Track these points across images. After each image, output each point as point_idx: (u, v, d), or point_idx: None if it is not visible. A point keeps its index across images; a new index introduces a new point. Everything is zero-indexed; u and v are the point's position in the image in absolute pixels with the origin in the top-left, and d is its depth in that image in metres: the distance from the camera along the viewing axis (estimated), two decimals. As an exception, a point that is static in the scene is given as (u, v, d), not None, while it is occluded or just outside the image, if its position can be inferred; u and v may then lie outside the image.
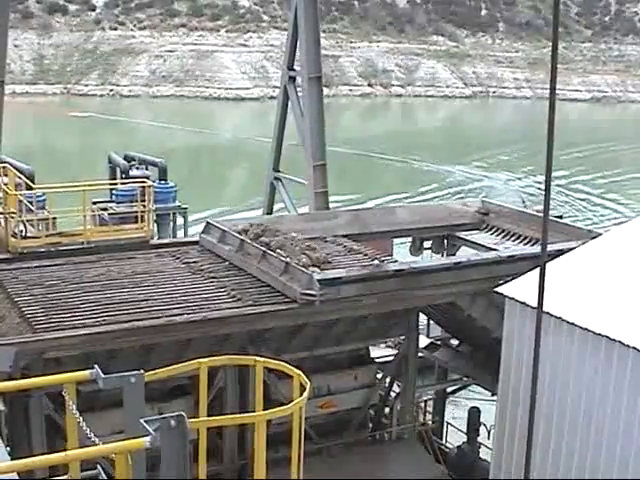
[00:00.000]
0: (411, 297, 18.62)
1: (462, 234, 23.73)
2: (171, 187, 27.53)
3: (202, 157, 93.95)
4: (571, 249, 17.18)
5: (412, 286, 18.32)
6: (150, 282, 18.17)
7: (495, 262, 19.02)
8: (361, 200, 62.40)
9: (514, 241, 22.89)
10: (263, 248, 18.83)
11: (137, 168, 28.03)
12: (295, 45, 30.05)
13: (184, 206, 27.92)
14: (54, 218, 23.18)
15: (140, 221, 21.91)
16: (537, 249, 18.88)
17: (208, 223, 21.54)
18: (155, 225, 25.12)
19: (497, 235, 23.61)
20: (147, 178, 25.67)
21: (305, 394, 9.48)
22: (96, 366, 8.56)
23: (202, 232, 21.45)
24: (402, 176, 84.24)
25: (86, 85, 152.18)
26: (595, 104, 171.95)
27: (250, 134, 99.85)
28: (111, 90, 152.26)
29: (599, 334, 13.75)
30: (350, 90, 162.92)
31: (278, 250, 18.78)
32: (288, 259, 18.10)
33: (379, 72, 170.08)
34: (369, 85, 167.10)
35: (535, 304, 12.35)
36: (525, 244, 22.31)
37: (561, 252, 17.04)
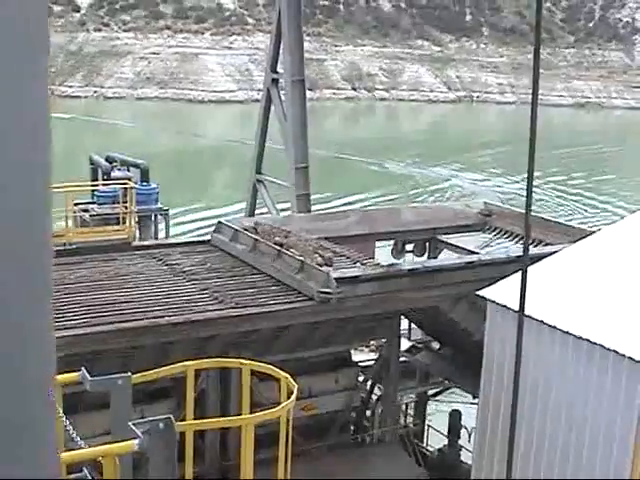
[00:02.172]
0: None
1: (443, 237, 23.91)
2: (153, 188, 27.44)
3: (184, 159, 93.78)
4: None
5: (425, 284, 18.67)
6: (132, 284, 18.15)
7: (506, 262, 19.10)
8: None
9: (517, 242, 23.17)
10: (278, 247, 19.06)
11: (119, 169, 27.87)
12: (278, 48, 30.05)
13: (165, 208, 27.86)
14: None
15: (122, 222, 21.91)
16: (542, 250, 19.23)
17: (220, 222, 21.85)
18: (137, 226, 25.07)
19: (500, 236, 23.91)
20: (129, 179, 25.58)
21: (293, 397, 9.52)
22: (83, 368, 8.54)
23: (214, 231, 21.70)
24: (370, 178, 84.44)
25: (70, 86, 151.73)
26: (578, 110, 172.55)
27: (233, 136, 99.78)
28: (95, 92, 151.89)
29: (580, 337, 13.79)
30: (334, 93, 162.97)
31: (292, 249, 19.01)
32: (302, 258, 18.37)
33: (363, 76, 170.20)
34: (353, 89, 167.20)
35: (517, 307, 12.42)
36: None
37: None
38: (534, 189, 7.30)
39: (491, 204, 25.94)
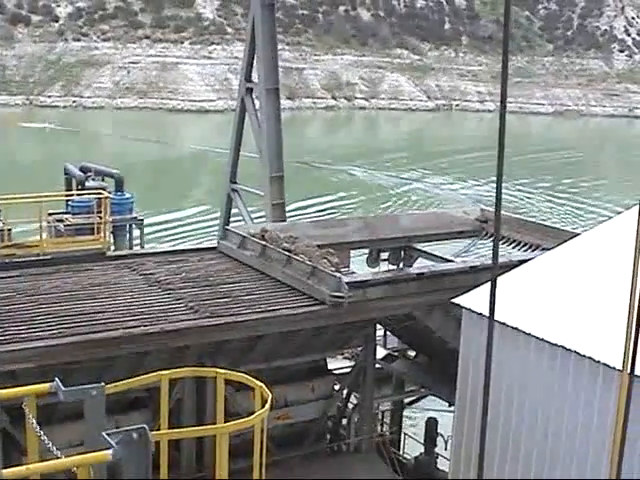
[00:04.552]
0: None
1: (418, 245, 24.03)
2: (127, 198, 27.38)
3: (161, 168, 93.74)
4: None
5: (432, 288, 19.07)
6: (107, 294, 18.10)
7: (508, 267, 19.16)
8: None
9: (514, 247, 23.44)
10: (287, 253, 19.40)
11: (93, 179, 27.79)
12: (252, 57, 30.10)
13: (140, 217, 27.82)
14: (9, 229, 22.98)
15: (96, 232, 21.89)
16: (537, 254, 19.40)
17: (226, 229, 22.32)
18: (111, 236, 24.98)
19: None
20: (103, 189, 25.51)
21: (267, 406, 9.51)
22: (56, 379, 8.52)
23: (221, 238, 21.97)
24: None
25: (49, 96, 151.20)
26: (557, 117, 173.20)
27: (211, 146, 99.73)
28: (74, 101, 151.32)
29: (555, 344, 13.84)
30: (314, 102, 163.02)
31: (301, 255, 19.36)
32: (312, 263, 18.78)
33: (343, 85, 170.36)
34: (333, 98, 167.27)
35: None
36: (525, 250, 22.79)
37: None
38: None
39: (488, 210, 26.17)
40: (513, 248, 23.62)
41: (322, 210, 66.68)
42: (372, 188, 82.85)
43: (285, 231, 21.70)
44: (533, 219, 29.31)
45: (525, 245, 23.29)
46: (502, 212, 24.26)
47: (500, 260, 19.72)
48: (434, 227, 24.87)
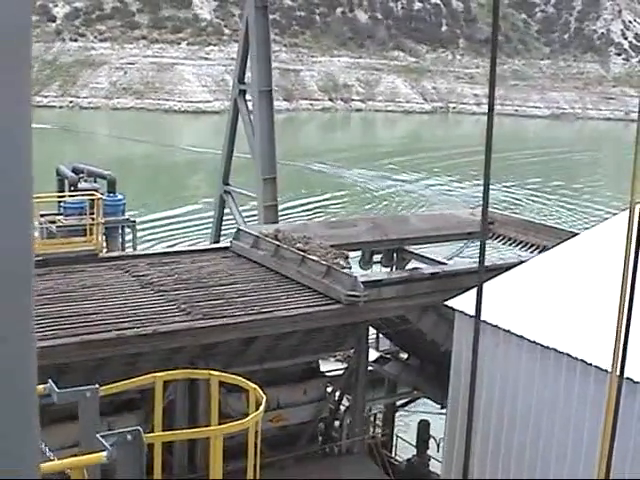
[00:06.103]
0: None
1: (412, 248, 24.07)
2: (119, 200, 27.32)
3: (156, 169, 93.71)
4: None
5: (444, 288, 18.97)
6: (100, 295, 18.09)
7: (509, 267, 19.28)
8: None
9: (521, 249, 23.56)
10: (302, 253, 19.59)
11: (86, 180, 27.71)
12: (246, 58, 30.04)
13: (132, 219, 27.75)
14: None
15: (89, 234, 21.87)
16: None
17: (239, 229, 22.53)
18: (104, 238, 24.94)
19: (504, 243, 24.26)
20: (96, 191, 25.47)
21: (262, 408, 9.50)
22: (50, 380, 8.51)
23: (233, 238, 22.22)
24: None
25: (46, 96, 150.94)
26: (554, 120, 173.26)
27: (207, 147, 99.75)
28: (71, 102, 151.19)
29: (547, 347, 13.87)
30: (311, 104, 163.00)
31: (315, 255, 19.55)
32: (327, 262, 18.98)
33: (340, 86, 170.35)
34: (330, 99, 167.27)
35: (486, 317, 12.44)
36: (532, 251, 22.86)
37: None
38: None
39: (494, 212, 26.25)
40: (520, 249, 23.76)
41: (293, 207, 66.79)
42: (349, 187, 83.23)
43: (297, 231, 21.86)
44: (525, 217, 29.47)
45: (532, 246, 23.41)
46: (508, 214, 24.37)
47: (507, 261, 19.88)
48: (443, 228, 25.15)
